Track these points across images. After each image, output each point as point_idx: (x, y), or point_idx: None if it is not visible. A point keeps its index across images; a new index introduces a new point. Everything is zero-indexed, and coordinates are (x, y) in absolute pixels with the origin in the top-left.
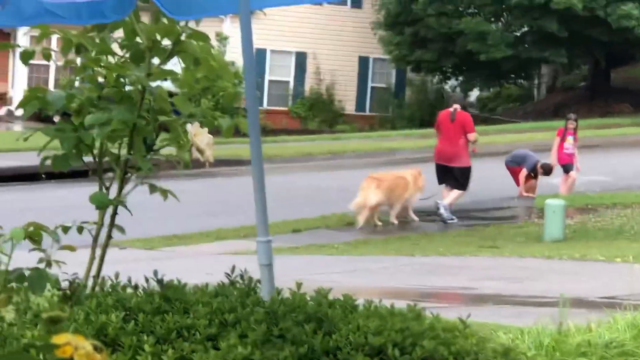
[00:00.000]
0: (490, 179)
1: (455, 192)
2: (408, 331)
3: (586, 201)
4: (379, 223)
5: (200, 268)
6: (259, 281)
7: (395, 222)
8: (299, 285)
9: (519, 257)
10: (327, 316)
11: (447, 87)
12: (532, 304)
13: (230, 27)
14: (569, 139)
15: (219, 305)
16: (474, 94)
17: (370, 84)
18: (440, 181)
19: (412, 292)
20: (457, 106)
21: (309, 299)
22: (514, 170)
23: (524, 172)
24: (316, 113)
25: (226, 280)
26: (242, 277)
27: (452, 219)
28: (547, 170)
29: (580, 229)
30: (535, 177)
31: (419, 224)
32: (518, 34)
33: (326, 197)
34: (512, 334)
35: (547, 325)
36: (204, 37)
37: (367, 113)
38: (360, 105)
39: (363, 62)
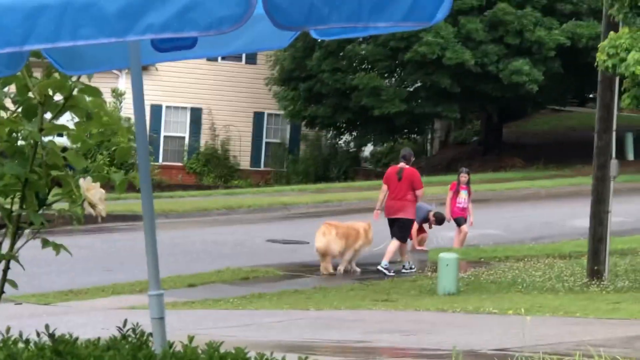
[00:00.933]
0: (384, 233)
1: (396, 245)
2: None
3: (479, 254)
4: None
5: (95, 323)
6: (151, 335)
7: (342, 270)
8: (190, 338)
9: (413, 310)
10: None
11: (341, 142)
12: (426, 357)
13: (126, 82)
14: (462, 193)
15: (110, 359)
16: (368, 149)
17: (265, 139)
18: (392, 234)
19: (306, 346)
20: (403, 164)
21: (200, 352)
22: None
23: (415, 226)
24: (211, 168)
25: (118, 334)
26: (134, 330)
27: (412, 269)
28: (440, 219)
29: (473, 282)
30: (430, 226)
31: (308, 279)
32: (411, 90)
33: (222, 251)
34: None
35: None
36: (95, 92)
37: (262, 168)
38: (255, 160)
39: (258, 117)
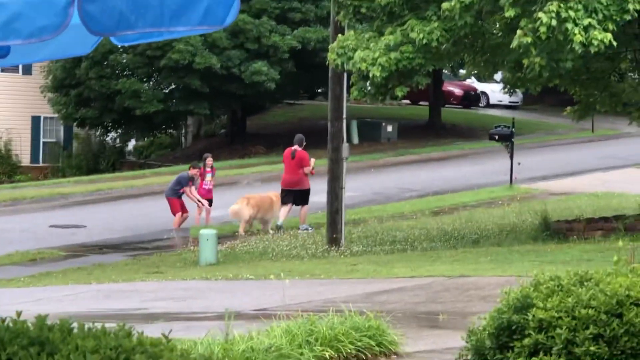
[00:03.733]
0: (150, 215)
1: (304, 210)
2: (121, 348)
3: (233, 229)
4: (271, 231)
5: None
6: None
7: (271, 232)
8: (18, 314)
9: (181, 280)
10: (48, 339)
11: (108, 139)
12: (196, 319)
13: None
14: (208, 176)
15: None
16: (132, 144)
17: (42, 139)
18: (283, 202)
19: (94, 315)
20: (296, 147)
21: (29, 325)
22: (171, 201)
23: (192, 190)
24: None
25: None
26: None
27: (306, 229)
28: (195, 164)
29: (230, 254)
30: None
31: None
32: (167, 91)
33: (10, 237)
34: (187, 345)
35: (215, 336)
36: None
37: (41, 164)
38: (34, 157)
39: (35, 120)
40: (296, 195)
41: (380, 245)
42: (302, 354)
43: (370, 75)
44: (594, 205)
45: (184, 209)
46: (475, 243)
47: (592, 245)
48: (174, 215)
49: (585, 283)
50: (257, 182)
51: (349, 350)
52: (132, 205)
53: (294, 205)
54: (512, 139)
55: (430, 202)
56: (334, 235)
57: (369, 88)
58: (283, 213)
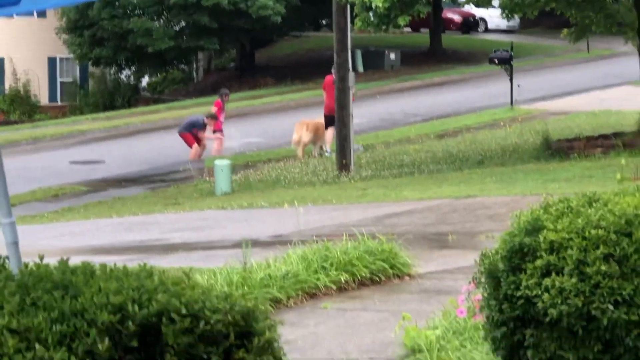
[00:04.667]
0: (166, 149)
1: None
2: (143, 288)
3: (246, 159)
4: (316, 155)
5: None
6: (7, 257)
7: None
8: (41, 257)
9: (198, 210)
10: (71, 282)
11: (122, 76)
12: (215, 248)
13: None
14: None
15: None
16: (145, 80)
17: (59, 79)
18: (326, 126)
19: (116, 247)
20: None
21: (52, 269)
22: (185, 136)
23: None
24: (16, 107)
25: None
26: None
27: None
28: (213, 116)
29: (244, 183)
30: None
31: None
32: (177, 29)
33: (32, 175)
34: (207, 275)
35: (234, 264)
36: None
37: (59, 103)
38: (52, 97)
39: (52, 61)
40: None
41: (388, 170)
42: (318, 279)
43: (373, 6)
44: (593, 124)
45: (199, 141)
46: (479, 164)
47: (592, 162)
48: (191, 147)
49: (594, 204)
50: (264, 113)
51: (363, 274)
52: (148, 140)
53: None
54: (512, 62)
55: (434, 125)
56: (344, 161)
57: (372, 18)
58: (329, 138)
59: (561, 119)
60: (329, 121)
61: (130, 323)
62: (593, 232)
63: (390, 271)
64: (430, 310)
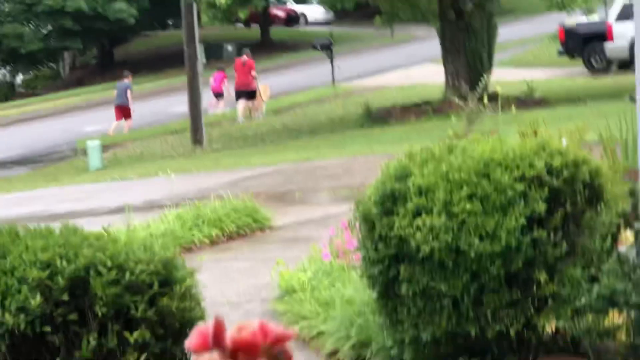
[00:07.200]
0: (43, 134)
1: (250, 103)
2: (69, 244)
3: (115, 140)
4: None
5: None
6: None
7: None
8: None
9: (77, 184)
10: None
11: (0, 75)
12: (98, 215)
13: None
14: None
15: None
16: (20, 78)
17: None
18: (237, 99)
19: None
20: (245, 57)
21: None
22: (123, 109)
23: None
24: None
25: None
26: None
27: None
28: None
29: (114, 159)
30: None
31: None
32: (45, 32)
33: None
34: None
35: (119, 227)
36: None
37: None
38: None
39: None
40: (247, 94)
41: (235, 142)
42: (193, 234)
43: (217, 3)
44: (404, 95)
45: (127, 115)
46: (313, 133)
47: (409, 126)
48: (119, 120)
49: (454, 151)
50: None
51: (231, 229)
52: (27, 129)
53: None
54: (331, 47)
55: (269, 104)
56: (197, 137)
57: (218, 14)
58: (240, 110)
59: (377, 93)
60: (238, 95)
61: (59, 278)
62: (456, 175)
63: (254, 225)
64: (294, 256)
